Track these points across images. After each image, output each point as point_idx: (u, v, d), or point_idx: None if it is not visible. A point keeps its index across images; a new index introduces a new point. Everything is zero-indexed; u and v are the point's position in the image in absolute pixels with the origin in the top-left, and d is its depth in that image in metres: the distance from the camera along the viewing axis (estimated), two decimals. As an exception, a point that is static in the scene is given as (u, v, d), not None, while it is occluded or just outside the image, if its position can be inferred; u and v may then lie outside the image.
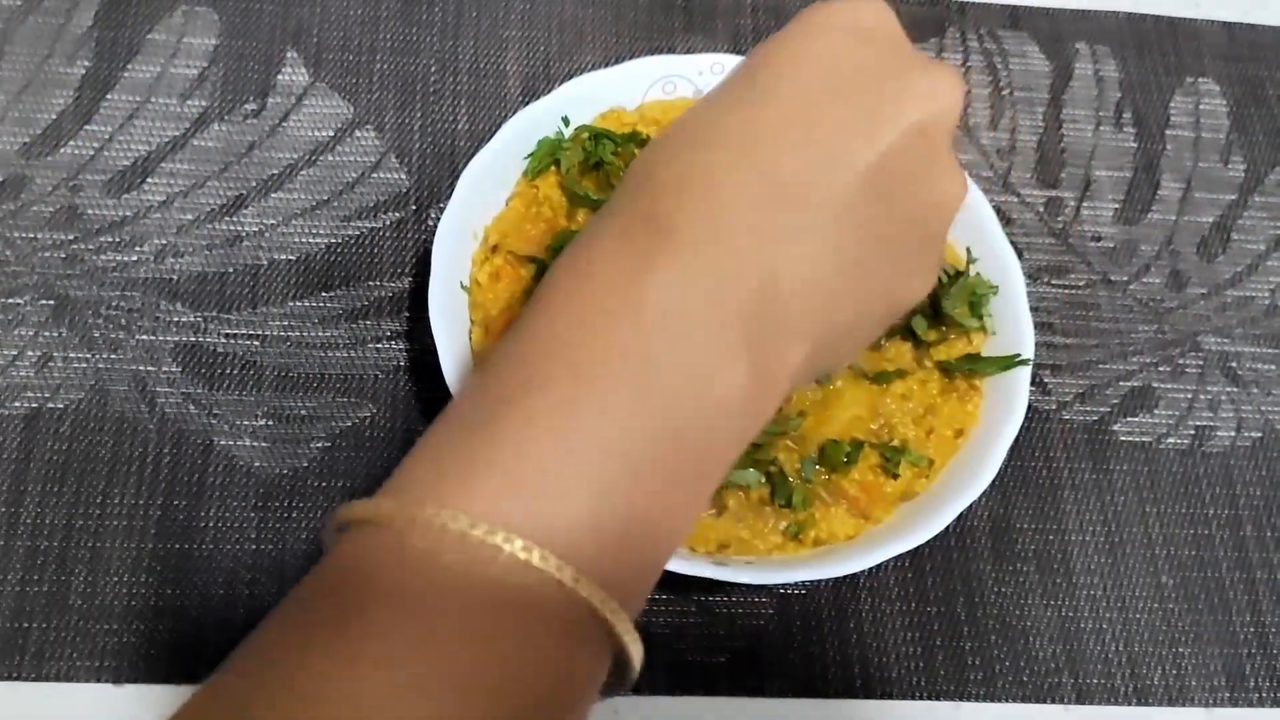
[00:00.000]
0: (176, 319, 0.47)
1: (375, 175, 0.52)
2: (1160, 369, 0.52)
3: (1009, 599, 0.47)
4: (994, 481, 0.43)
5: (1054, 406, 0.51)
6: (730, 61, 0.50)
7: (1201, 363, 0.53)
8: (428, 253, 0.44)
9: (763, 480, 0.43)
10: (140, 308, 0.47)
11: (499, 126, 0.47)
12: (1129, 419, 0.51)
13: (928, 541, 0.42)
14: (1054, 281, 0.54)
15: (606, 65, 0.50)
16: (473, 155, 0.46)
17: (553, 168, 0.48)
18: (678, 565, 0.40)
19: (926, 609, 0.46)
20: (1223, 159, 0.58)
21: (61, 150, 0.50)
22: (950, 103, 0.32)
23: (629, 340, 0.27)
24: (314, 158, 0.51)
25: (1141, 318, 0.53)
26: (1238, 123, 0.59)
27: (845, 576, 0.45)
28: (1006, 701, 0.45)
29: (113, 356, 0.46)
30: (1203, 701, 0.46)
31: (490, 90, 0.54)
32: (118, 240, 0.49)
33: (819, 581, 0.46)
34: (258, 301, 0.48)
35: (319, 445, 0.46)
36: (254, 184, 0.50)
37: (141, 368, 0.46)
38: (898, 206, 0.31)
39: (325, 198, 0.51)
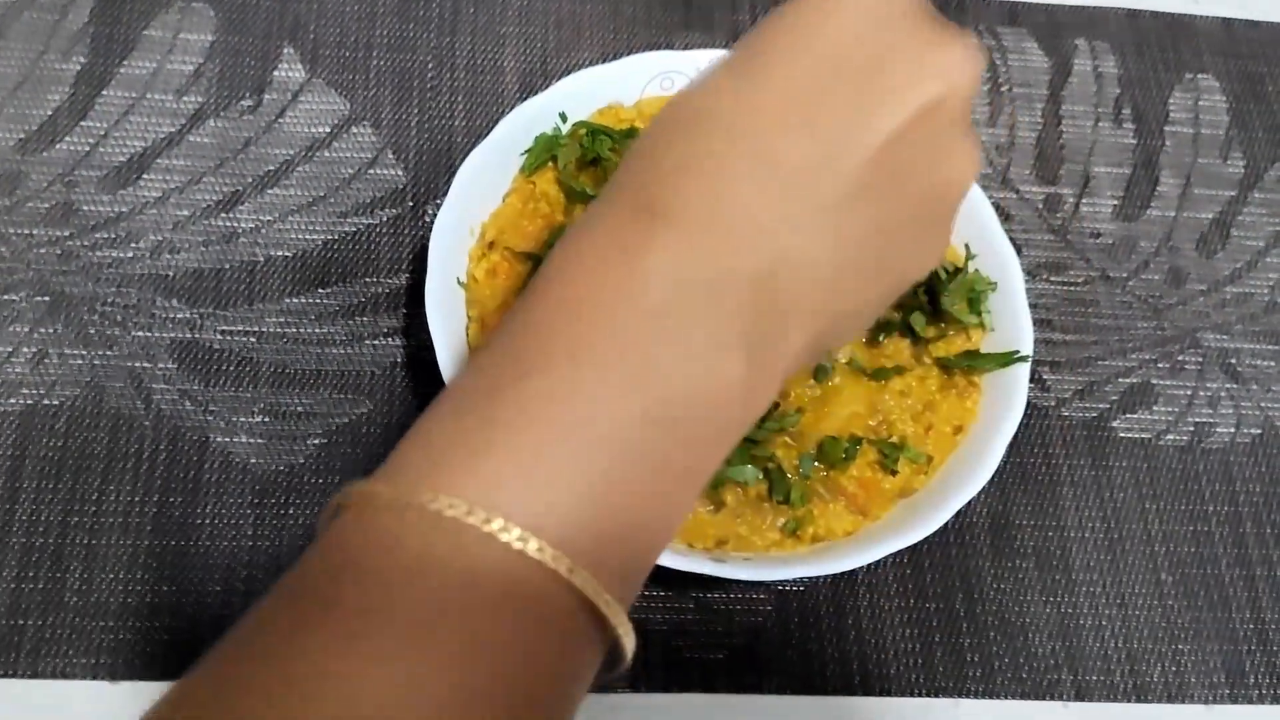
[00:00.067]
0: (172, 315, 0.47)
1: (372, 171, 0.51)
2: (1159, 366, 0.52)
3: (1008, 596, 0.47)
4: (993, 478, 0.43)
5: (1053, 403, 0.51)
6: (728, 57, 0.50)
7: (1201, 359, 0.53)
8: (425, 249, 0.44)
9: (761, 477, 0.43)
10: (136, 304, 0.47)
11: (496, 122, 0.47)
12: (1128, 415, 0.51)
13: (926, 538, 0.41)
14: (1053, 278, 0.54)
15: (604, 61, 0.50)
16: (470, 151, 0.46)
17: (550, 164, 0.48)
18: (675, 562, 0.40)
19: (925, 606, 0.46)
20: (1222, 155, 0.58)
21: (57, 146, 0.50)
22: (967, 77, 0.30)
23: (624, 329, 0.27)
24: (310, 154, 0.51)
25: (1141, 314, 0.53)
26: (1237, 119, 0.59)
27: (844, 573, 0.45)
28: (1005, 698, 0.45)
29: (108, 353, 0.46)
30: (1202, 698, 0.46)
31: (487, 86, 0.54)
32: (113, 236, 0.48)
33: (817, 578, 0.46)
34: (254, 298, 0.48)
35: (315, 442, 0.46)
36: (250, 180, 0.50)
37: (137, 364, 0.46)
38: (907, 186, 0.30)
39: (322, 194, 0.51)
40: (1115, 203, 0.56)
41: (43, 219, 0.48)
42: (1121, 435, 0.50)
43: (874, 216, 0.30)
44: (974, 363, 0.46)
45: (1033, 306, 0.47)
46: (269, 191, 0.50)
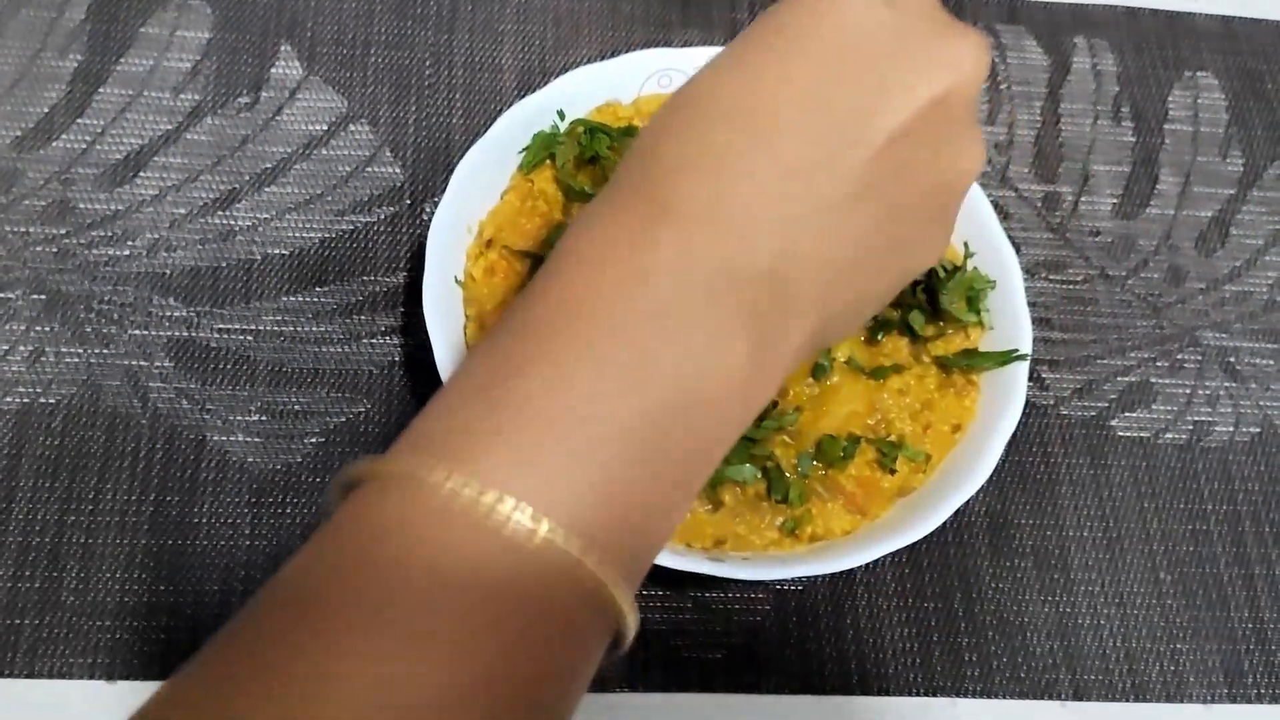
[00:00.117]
0: (169, 314, 0.47)
1: (369, 169, 0.51)
2: (1158, 364, 0.52)
3: (1006, 595, 0.47)
4: (991, 477, 0.43)
5: (1052, 402, 0.51)
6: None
7: (1200, 358, 0.53)
8: (422, 247, 0.44)
9: (759, 475, 0.43)
10: (133, 302, 0.47)
11: (494, 120, 0.46)
12: (1127, 414, 0.51)
13: (925, 537, 0.41)
14: (1052, 276, 0.53)
15: (602, 59, 0.50)
16: (467, 149, 0.46)
17: (548, 162, 0.48)
18: (674, 561, 0.40)
19: (923, 605, 0.46)
20: (1221, 153, 0.58)
21: (53, 144, 0.50)
22: (973, 71, 0.30)
23: (627, 323, 0.27)
24: (308, 152, 0.51)
25: (1140, 313, 0.53)
26: (1236, 117, 0.59)
27: (842, 572, 0.45)
28: (1003, 698, 0.45)
29: (105, 351, 0.46)
30: (1201, 698, 0.46)
31: (485, 84, 0.54)
32: (110, 234, 0.48)
33: (815, 577, 0.46)
34: (251, 296, 0.48)
35: (313, 441, 0.46)
36: (247, 178, 0.50)
37: (134, 363, 0.46)
38: (912, 180, 0.30)
39: (319, 192, 0.50)
40: (1114, 201, 0.56)
41: (39, 217, 0.48)
42: (1120, 434, 0.50)
43: (877, 212, 0.30)
44: (973, 361, 0.46)
45: (1031, 305, 0.47)
46: (266, 189, 0.50)
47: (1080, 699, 0.45)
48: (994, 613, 0.46)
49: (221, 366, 0.47)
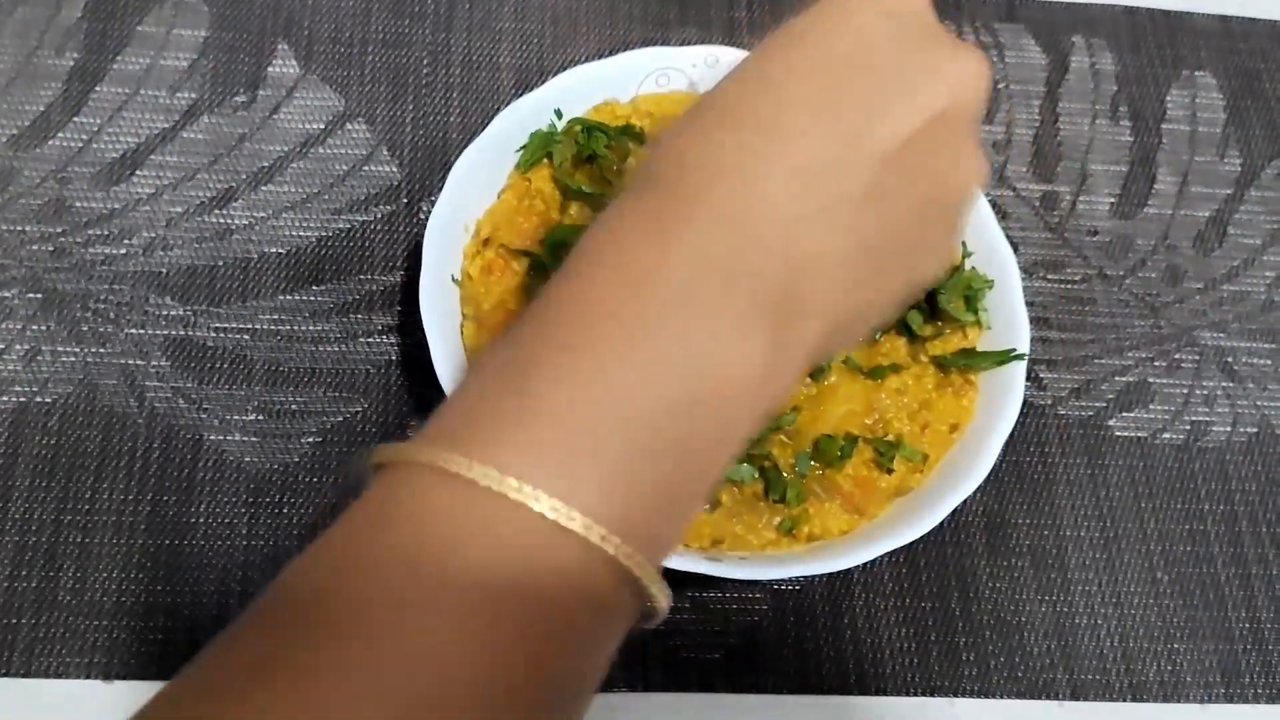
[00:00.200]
0: (166, 313, 0.47)
1: (366, 168, 0.51)
2: (1156, 364, 0.52)
3: (1004, 595, 0.47)
4: (989, 477, 0.43)
5: (1049, 401, 0.51)
6: (725, 53, 0.49)
7: (1197, 358, 0.53)
8: (419, 246, 0.44)
9: (756, 475, 0.43)
10: (129, 301, 0.47)
11: (491, 119, 0.46)
12: (1124, 414, 0.51)
13: (922, 537, 0.41)
14: (1050, 276, 0.53)
15: (600, 57, 0.50)
16: (465, 148, 0.46)
17: (545, 160, 0.47)
18: (671, 561, 0.40)
19: (921, 605, 0.46)
20: (1219, 153, 0.58)
21: (50, 142, 0.50)
22: (976, 88, 0.33)
23: (652, 311, 0.28)
24: (305, 150, 0.51)
25: (1137, 312, 0.53)
26: (1234, 116, 0.59)
27: (839, 572, 0.45)
28: (1001, 697, 0.45)
29: (101, 350, 0.46)
30: (1198, 697, 0.46)
31: (483, 82, 0.54)
32: (106, 233, 0.48)
33: (813, 577, 0.46)
34: (248, 295, 0.48)
35: (310, 440, 0.46)
36: (244, 177, 0.50)
37: (130, 362, 0.46)
38: (917, 189, 0.32)
39: (316, 191, 0.50)
40: (1112, 200, 0.56)
41: (35, 215, 0.48)
42: (1118, 434, 0.50)
43: (885, 215, 0.31)
44: (970, 361, 0.46)
45: (1029, 304, 0.47)
46: (263, 188, 0.50)
47: (1077, 699, 0.45)
48: (991, 612, 0.46)
49: (218, 366, 0.46)
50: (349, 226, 0.50)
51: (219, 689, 0.24)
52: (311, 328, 0.48)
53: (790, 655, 0.44)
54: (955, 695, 0.45)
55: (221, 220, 0.49)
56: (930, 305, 0.46)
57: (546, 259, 0.45)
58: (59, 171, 0.49)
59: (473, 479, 0.25)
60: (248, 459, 0.45)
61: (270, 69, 0.52)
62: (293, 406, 0.46)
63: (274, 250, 0.49)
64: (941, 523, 0.42)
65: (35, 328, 0.46)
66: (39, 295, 0.47)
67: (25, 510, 0.43)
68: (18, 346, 0.46)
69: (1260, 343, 0.53)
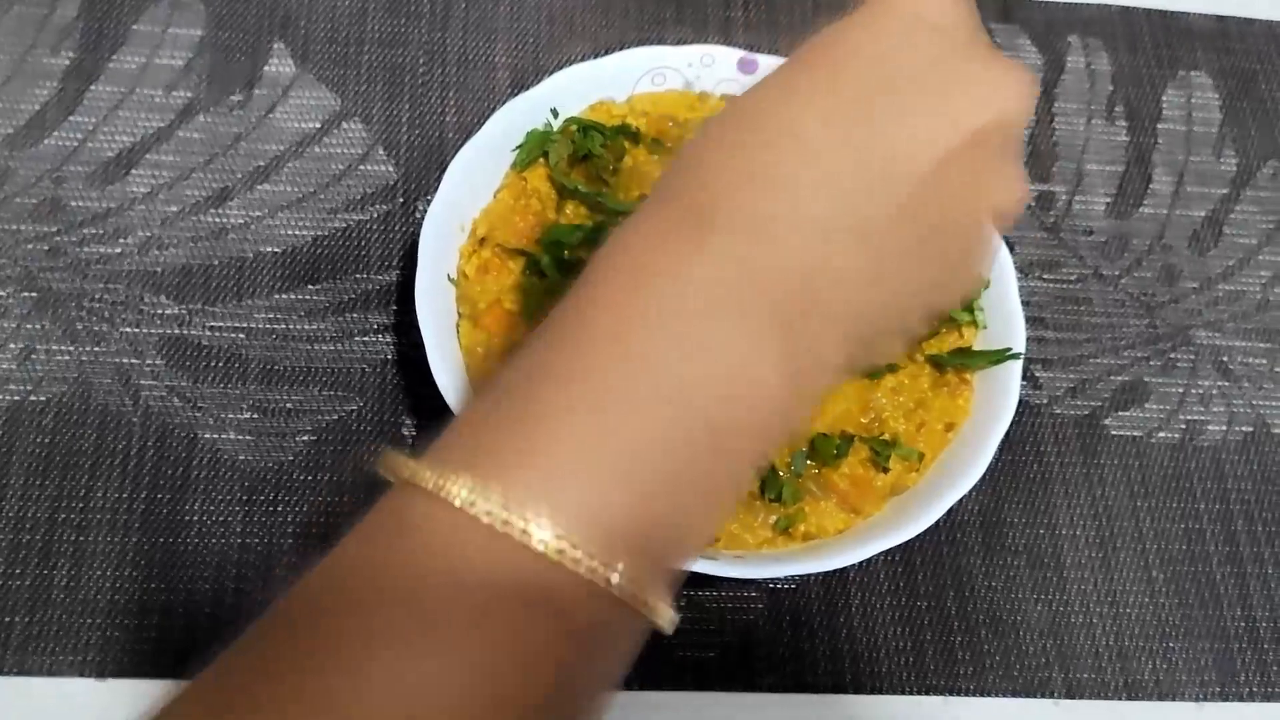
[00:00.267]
0: (161, 312, 0.47)
1: (362, 167, 0.51)
2: (1151, 363, 0.52)
3: (999, 593, 0.47)
4: (984, 476, 0.43)
5: (1045, 401, 0.51)
6: (721, 53, 0.49)
7: (1193, 357, 0.53)
8: (415, 245, 0.44)
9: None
10: (124, 300, 0.47)
11: (487, 118, 0.46)
12: (1120, 413, 0.51)
13: (918, 536, 0.41)
14: (1045, 275, 0.53)
15: (596, 57, 0.50)
16: (461, 147, 0.46)
17: (541, 160, 0.47)
18: (666, 559, 0.40)
19: (916, 603, 0.46)
20: (1215, 152, 0.58)
21: (45, 142, 0.50)
22: (1019, 106, 0.30)
23: (664, 327, 0.27)
24: (300, 150, 0.51)
25: (1133, 312, 0.53)
26: (1230, 116, 0.59)
27: (835, 571, 0.45)
28: (996, 696, 0.45)
29: (96, 349, 0.46)
30: (1193, 696, 0.46)
31: (479, 82, 0.54)
32: (101, 232, 0.48)
33: (809, 576, 0.46)
34: (243, 294, 0.48)
35: (305, 439, 0.46)
36: (240, 176, 0.50)
37: (125, 360, 0.46)
38: (951, 211, 0.30)
39: (312, 190, 0.50)
40: (1108, 200, 0.56)
41: (30, 215, 0.48)
42: (1113, 433, 0.50)
43: (918, 234, 0.29)
44: (966, 360, 0.46)
45: (1025, 304, 0.47)
46: (258, 187, 0.50)
47: (1073, 697, 0.45)
48: (987, 611, 0.46)
49: (213, 364, 0.46)
50: (345, 225, 0.50)
51: (227, 706, 0.24)
52: (307, 327, 0.48)
53: (786, 654, 0.44)
54: (951, 694, 0.45)
55: (217, 219, 0.49)
56: (926, 304, 0.46)
57: (542, 258, 0.45)
58: (54, 170, 0.49)
59: (474, 501, 0.25)
60: (242, 457, 0.45)
61: (266, 68, 0.52)
62: (288, 405, 0.46)
63: (269, 249, 0.49)
64: (937, 522, 0.42)
65: (30, 326, 0.46)
66: (34, 294, 0.47)
67: (19, 508, 0.43)
68: (12, 345, 0.46)
69: (1255, 342, 0.53)
